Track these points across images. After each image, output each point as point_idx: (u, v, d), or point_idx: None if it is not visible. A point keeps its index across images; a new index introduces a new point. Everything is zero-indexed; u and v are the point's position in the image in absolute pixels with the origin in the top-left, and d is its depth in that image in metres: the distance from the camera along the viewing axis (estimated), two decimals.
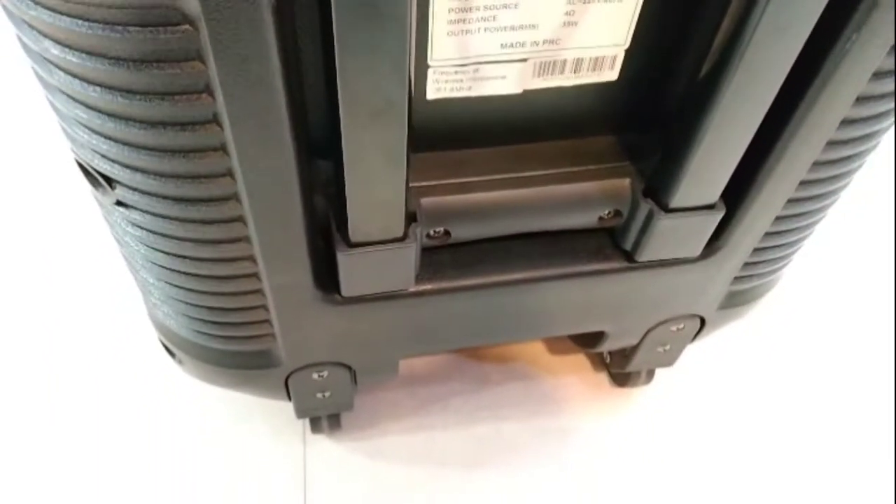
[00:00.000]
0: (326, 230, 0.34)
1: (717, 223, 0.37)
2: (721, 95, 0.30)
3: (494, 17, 0.30)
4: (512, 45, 0.31)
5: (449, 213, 0.35)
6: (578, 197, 0.36)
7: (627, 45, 0.32)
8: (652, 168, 0.36)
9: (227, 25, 0.23)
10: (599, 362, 0.59)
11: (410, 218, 0.34)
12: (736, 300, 0.45)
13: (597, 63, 0.33)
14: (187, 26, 0.23)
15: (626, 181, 0.36)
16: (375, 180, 0.30)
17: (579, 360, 0.60)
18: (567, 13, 0.30)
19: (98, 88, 0.25)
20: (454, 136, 0.35)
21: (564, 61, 0.32)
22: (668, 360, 0.51)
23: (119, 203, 0.31)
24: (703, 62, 0.31)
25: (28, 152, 0.71)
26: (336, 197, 0.33)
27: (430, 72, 0.31)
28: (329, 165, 0.33)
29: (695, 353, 0.59)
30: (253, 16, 0.23)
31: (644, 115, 0.36)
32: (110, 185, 0.30)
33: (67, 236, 0.65)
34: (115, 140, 0.27)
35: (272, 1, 0.23)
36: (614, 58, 0.33)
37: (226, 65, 0.24)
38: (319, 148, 0.33)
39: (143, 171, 0.28)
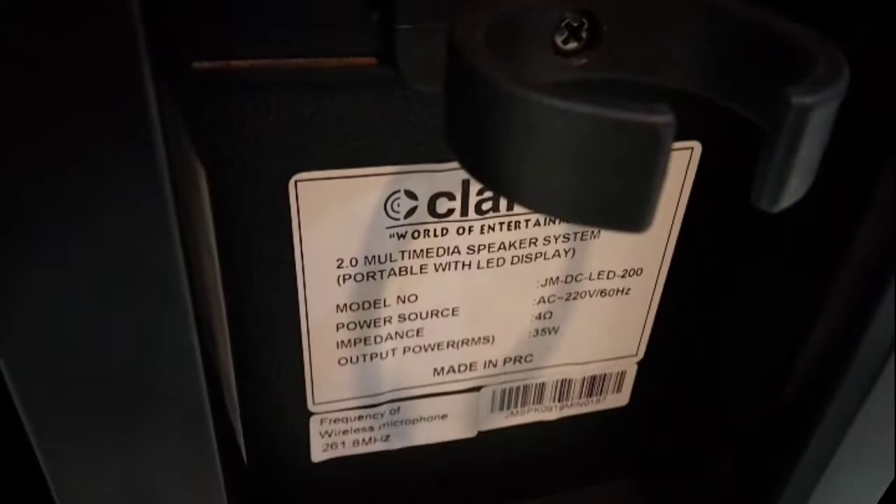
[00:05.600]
0: None
1: None
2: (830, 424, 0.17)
3: (419, 331, 0.17)
4: (454, 370, 0.18)
5: None
6: None
7: (641, 356, 0.20)
8: None
9: None
10: None
11: None
12: None
13: (594, 385, 0.20)
14: None
15: None
16: None
17: None
18: (540, 316, 0.18)
19: None
20: None
21: (542, 386, 0.20)
22: None
23: None
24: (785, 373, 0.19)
25: None
26: None
27: (313, 422, 0.18)
28: None
29: None
30: None
31: (674, 456, 0.23)
32: None
33: None
34: None
35: None
36: (621, 376, 0.20)
37: None
38: None
39: None
